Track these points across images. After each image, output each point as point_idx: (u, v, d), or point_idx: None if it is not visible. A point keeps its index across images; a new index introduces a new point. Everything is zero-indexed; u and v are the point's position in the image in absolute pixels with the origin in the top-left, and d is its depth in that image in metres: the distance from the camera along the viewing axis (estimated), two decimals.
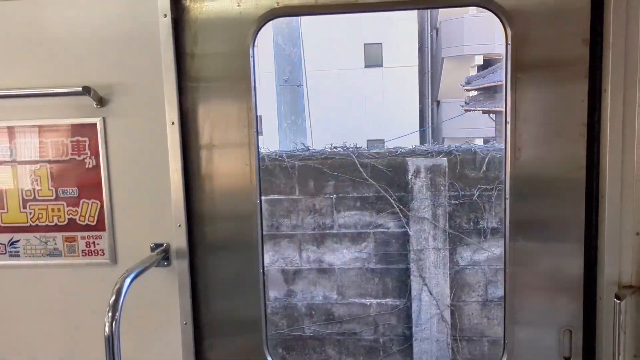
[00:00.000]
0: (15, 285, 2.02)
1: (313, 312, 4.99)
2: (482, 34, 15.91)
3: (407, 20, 17.13)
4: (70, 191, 1.96)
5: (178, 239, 1.92)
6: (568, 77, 1.77)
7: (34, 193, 1.98)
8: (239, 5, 1.86)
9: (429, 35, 18.48)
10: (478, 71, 16.74)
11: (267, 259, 4.93)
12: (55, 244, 1.99)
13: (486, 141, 13.41)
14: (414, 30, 17.52)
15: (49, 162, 1.96)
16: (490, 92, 13.12)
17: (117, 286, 1.65)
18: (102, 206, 1.95)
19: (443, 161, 4.79)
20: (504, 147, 1.84)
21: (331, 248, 4.91)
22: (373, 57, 17.47)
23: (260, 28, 1.89)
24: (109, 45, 1.87)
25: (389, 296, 4.85)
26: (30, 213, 1.99)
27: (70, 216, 1.97)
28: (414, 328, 4.87)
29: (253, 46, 1.89)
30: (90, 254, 1.98)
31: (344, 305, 4.95)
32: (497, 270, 4.86)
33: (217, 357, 2.02)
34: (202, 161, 1.93)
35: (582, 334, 1.87)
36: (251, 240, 1.95)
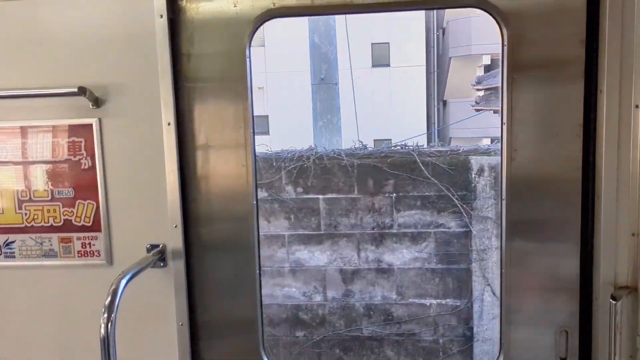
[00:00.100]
0: (11, 287, 2.03)
1: (371, 313, 4.91)
2: (489, 34, 15.93)
3: (415, 20, 17.11)
4: (66, 192, 1.97)
5: (174, 240, 1.93)
6: (564, 78, 1.79)
7: (30, 194, 1.98)
8: (235, 6, 1.87)
9: (435, 35, 18.46)
10: (485, 71, 16.76)
11: (325, 258, 4.85)
12: (51, 244, 2.00)
13: (493, 141, 13.41)
14: (421, 30, 17.49)
15: (45, 162, 1.96)
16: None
17: (113, 287, 1.66)
18: (97, 207, 1.96)
19: None
20: (500, 147, 1.87)
21: (390, 248, 4.84)
22: (380, 57, 17.42)
23: (257, 29, 1.90)
24: (104, 45, 1.88)
25: (450, 296, 4.79)
26: (26, 214, 2.00)
27: (66, 217, 1.98)
28: (475, 329, 4.81)
29: (249, 47, 1.89)
30: (86, 254, 1.99)
31: (403, 306, 4.88)
32: None
33: (214, 358, 2.03)
34: (199, 162, 1.94)
35: (579, 334, 1.88)
36: (247, 241, 1.96)
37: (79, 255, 1.99)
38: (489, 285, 4.76)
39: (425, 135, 17.06)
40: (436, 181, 4.68)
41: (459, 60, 17.73)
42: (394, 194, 4.77)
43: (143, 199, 1.94)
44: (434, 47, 18.28)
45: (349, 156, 4.76)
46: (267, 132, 15.72)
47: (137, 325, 1.98)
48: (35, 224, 1.99)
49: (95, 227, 1.97)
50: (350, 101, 17.29)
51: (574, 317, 1.88)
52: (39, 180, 1.97)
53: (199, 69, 1.90)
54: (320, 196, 4.79)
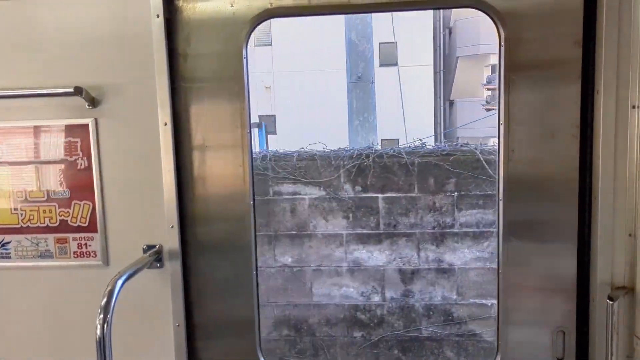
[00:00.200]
0: (6, 287, 2.04)
1: (431, 313, 4.84)
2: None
3: (422, 19, 17.09)
4: (62, 192, 1.97)
5: (171, 240, 1.94)
6: (561, 79, 1.81)
7: (25, 194, 1.99)
8: (232, 6, 1.88)
9: (442, 34, 18.48)
10: (493, 71, 16.78)
11: (384, 257, 4.77)
12: (47, 245, 2.00)
13: None
14: (429, 30, 17.48)
15: (40, 163, 1.97)
16: None
17: (109, 288, 1.67)
18: (94, 207, 1.97)
19: None
20: (497, 147, 1.88)
21: (451, 247, 4.77)
22: (388, 56, 17.37)
23: (254, 29, 1.91)
24: (101, 45, 1.89)
25: None
26: (22, 214, 2.00)
27: (62, 217, 1.98)
28: None
29: (246, 47, 1.90)
30: (82, 255, 1.99)
31: (463, 306, 4.81)
32: None
33: (211, 359, 2.04)
34: (195, 162, 1.95)
35: (576, 334, 1.90)
36: (244, 242, 1.97)
37: (75, 255, 1.99)
38: None
39: (433, 135, 17.05)
40: None
41: (466, 59, 17.77)
42: (456, 193, 4.70)
43: (139, 200, 1.94)
44: (440, 46, 18.29)
45: (409, 154, 4.68)
46: (274, 132, 15.62)
47: (133, 326, 1.98)
48: (30, 225, 1.99)
49: (91, 227, 1.97)
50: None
51: (571, 318, 1.89)
52: (35, 180, 1.97)
53: (195, 69, 1.91)
54: (380, 195, 4.71)
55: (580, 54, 1.78)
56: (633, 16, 1.67)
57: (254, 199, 1.97)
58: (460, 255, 4.78)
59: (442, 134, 18.14)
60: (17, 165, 1.98)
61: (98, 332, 1.61)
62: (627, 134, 1.72)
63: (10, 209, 2.00)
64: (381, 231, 4.75)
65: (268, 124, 15.22)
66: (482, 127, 15.56)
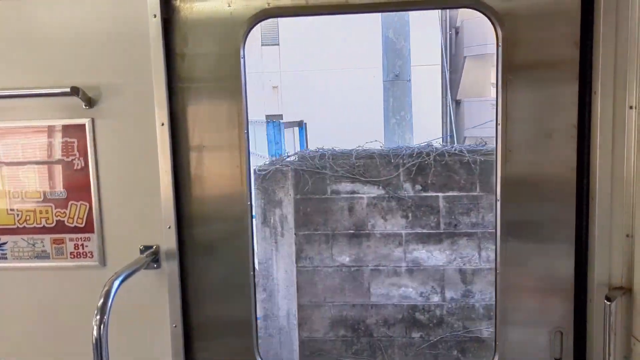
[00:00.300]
0: (3, 288, 2.05)
1: (491, 314, 4.73)
2: None
3: (430, 19, 16.96)
4: (59, 193, 1.98)
5: (168, 241, 1.94)
6: (558, 79, 1.82)
7: (22, 194, 1.99)
8: (229, 6, 1.88)
9: (448, 34, 18.35)
10: None
11: (444, 257, 4.72)
12: (43, 246, 2.01)
13: None
14: (436, 29, 17.34)
15: (37, 163, 1.97)
16: None
17: (106, 289, 1.67)
18: (90, 208, 1.97)
19: None
20: (495, 148, 1.89)
21: None
22: None
23: (251, 29, 1.92)
24: (98, 45, 1.90)
25: None
26: (18, 215, 2.00)
27: (59, 218, 1.99)
28: None
29: (244, 47, 1.91)
30: (78, 256, 2.00)
31: None
32: None
33: None
34: (192, 163, 1.95)
35: (573, 335, 1.92)
36: (242, 242, 1.98)
37: (72, 256, 2.00)
38: None
39: (441, 135, 16.92)
40: None
41: (473, 59, 17.63)
42: None
43: (136, 200, 1.95)
44: (446, 46, 18.16)
45: (471, 152, 4.62)
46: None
47: (130, 326, 1.99)
48: (27, 225, 2.00)
49: (88, 228, 1.97)
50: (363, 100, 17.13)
51: (568, 318, 1.91)
52: (31, 181, 1.98)
53: (193, 69, 1.91)
54: (440, 194, 4.63)
55: (578, 55, 1.80)
56: (630, 17, 1.68)
57: (251, 200, 1.98)
58: None
59: (449, 135, 18.00)
60: (14, 165, 1.98)
61: (95, 333, 1.62)
62: (624, 135, 1.73)
63: (7, 209, 2.00)
64: (441, 231, 4.68)
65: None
66: (486, 126, 15.46)
